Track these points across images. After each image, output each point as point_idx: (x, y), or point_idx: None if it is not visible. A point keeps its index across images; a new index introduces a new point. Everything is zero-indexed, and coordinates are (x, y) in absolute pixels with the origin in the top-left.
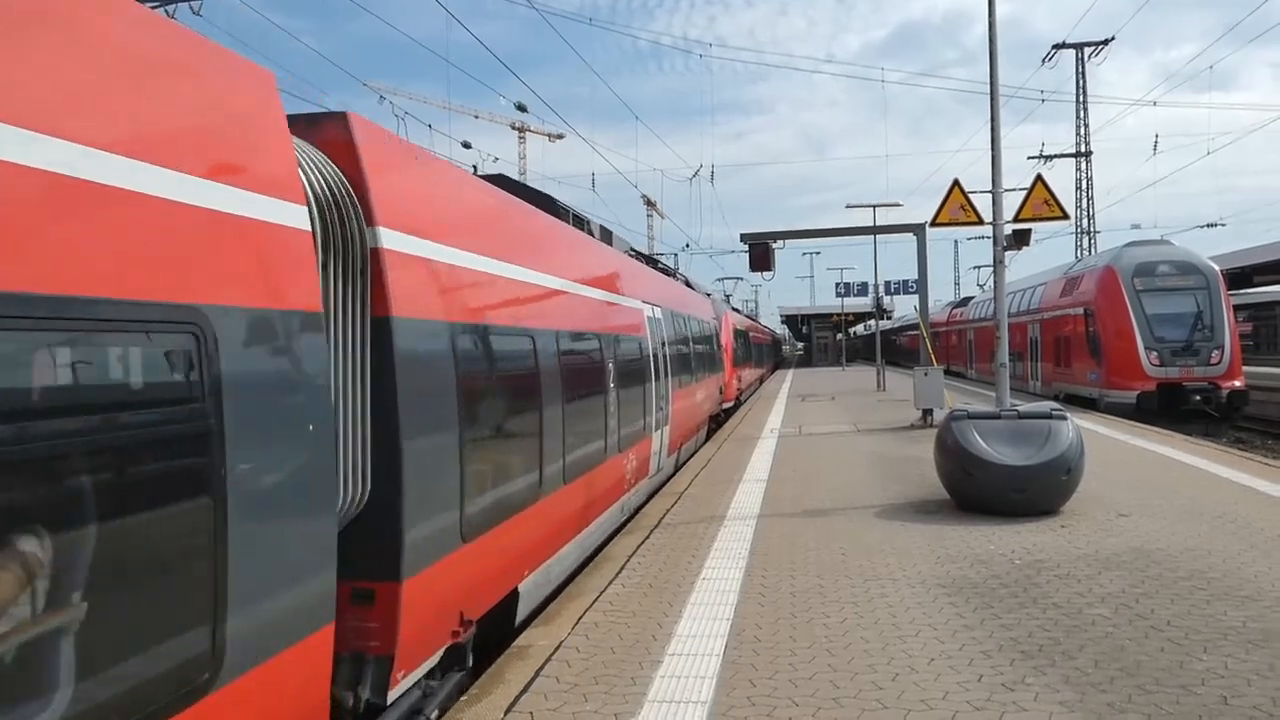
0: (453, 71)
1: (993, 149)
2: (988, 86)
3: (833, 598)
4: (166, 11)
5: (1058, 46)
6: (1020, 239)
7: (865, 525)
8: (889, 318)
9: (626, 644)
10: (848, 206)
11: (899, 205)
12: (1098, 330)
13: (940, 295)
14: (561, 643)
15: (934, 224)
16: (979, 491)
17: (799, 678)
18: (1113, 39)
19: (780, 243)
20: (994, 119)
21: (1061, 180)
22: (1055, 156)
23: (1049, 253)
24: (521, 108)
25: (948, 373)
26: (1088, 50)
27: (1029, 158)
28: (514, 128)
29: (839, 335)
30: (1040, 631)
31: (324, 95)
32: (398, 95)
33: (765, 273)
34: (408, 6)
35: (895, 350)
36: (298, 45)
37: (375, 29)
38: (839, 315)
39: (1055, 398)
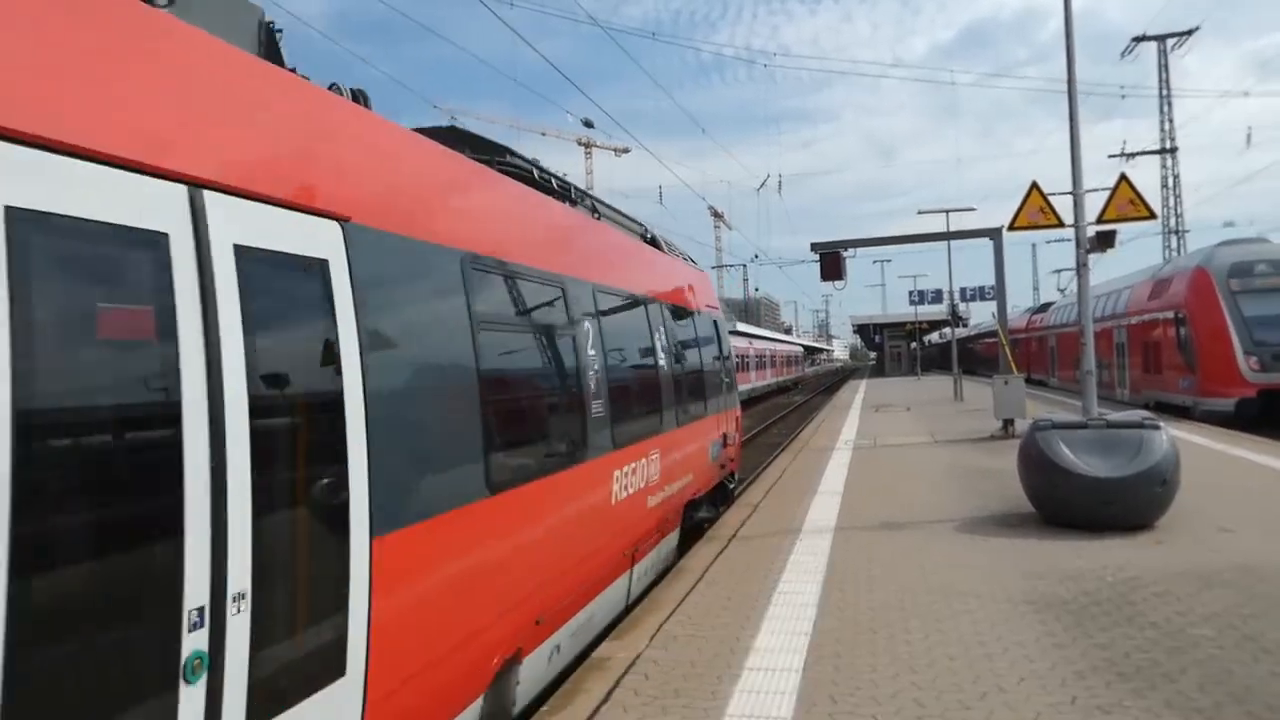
0: (519, 90)
1: (1072, 148)
2: (1064, 84)
3: (914, 613)
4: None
5: (1138, 39)
6: (1104, 241)
7: (946, 539)
8: (965, 325)
9: (705, 657)
10: (919, 212)
11: (973, 210)
12: (1190, 334)
13: (1018, 301)
14: (640, 655)
15: (1012, 228)
16: (1066, 505)
17: (881, 695)
18: (1197, 29)
19: (851, 251)
20: (1073, 117)
21: (1146, 178)
22: (1139, 154)
23: (1134, 254)
24: (588, 124)
25: (1028, 381)
26: (1170, 42)
27: (1110, 156)
28: (580, 143)
29: (913, 344)
30: (1138, 652)
31: (397, 118)
32: (467, 116)
33: (837, 282)
34: (474, 28)
35: (972, 358)
36: (371, 70)
37: (443, 51)
38: (913, 324)
39: (1145, 406)
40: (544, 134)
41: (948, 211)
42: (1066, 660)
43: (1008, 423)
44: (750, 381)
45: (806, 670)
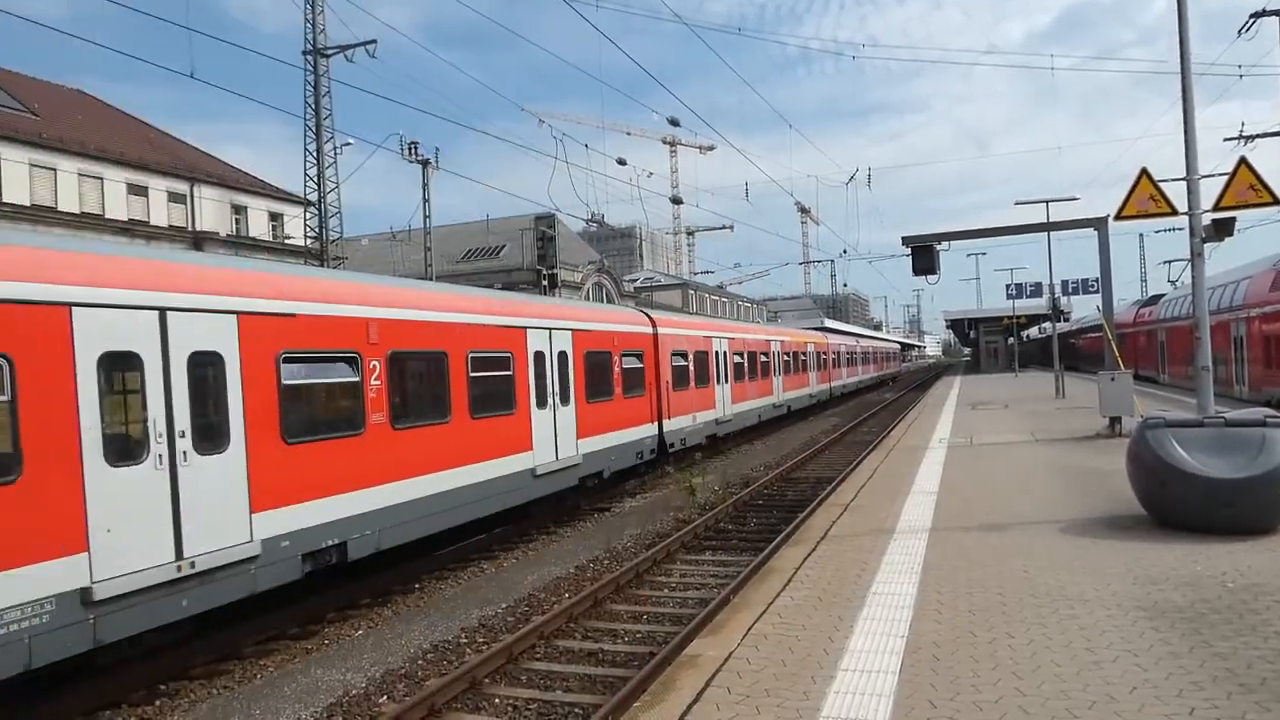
0: (605, 90)
1: (1185, 132)
2: (1174, 65)
3: (1017, 618)
4: (346, 57)
5: (1256, 15)
6: (1222, 229)
7: (1049, 541)
8: (1066, 319)
9: (798, 657)
10: (1017, 203)
11: (1075, 199)
12: None
13: (1124, 294)
14: (731, 653)
15: (1119, 217)
16: (1180, 507)
17: (983, 701)
18: None
19: (944, 244)
20: (1186, 99)
21: (1267, 162)
22: (1259, 136)
23: (1248, 244)
24: (674, 122)
25: (1135, 378)
26: None
27: (1225, 139)
28: (665, 142)
29: (1010, 339)
30: (1261, 663)
31: (487, 121)
32: (554, 118)
33: (929, 276)
34: (559, 31)
35: (1074, 354)
36: (461, 76)
37: (529, 55)
38: (1010, 318)
39: (1267, 404)
40: (629, 133)
41: (1048, 201)
42: (1183, 670)
43: (1114, 421)
44: (858, 375)
45: (903, 673)
